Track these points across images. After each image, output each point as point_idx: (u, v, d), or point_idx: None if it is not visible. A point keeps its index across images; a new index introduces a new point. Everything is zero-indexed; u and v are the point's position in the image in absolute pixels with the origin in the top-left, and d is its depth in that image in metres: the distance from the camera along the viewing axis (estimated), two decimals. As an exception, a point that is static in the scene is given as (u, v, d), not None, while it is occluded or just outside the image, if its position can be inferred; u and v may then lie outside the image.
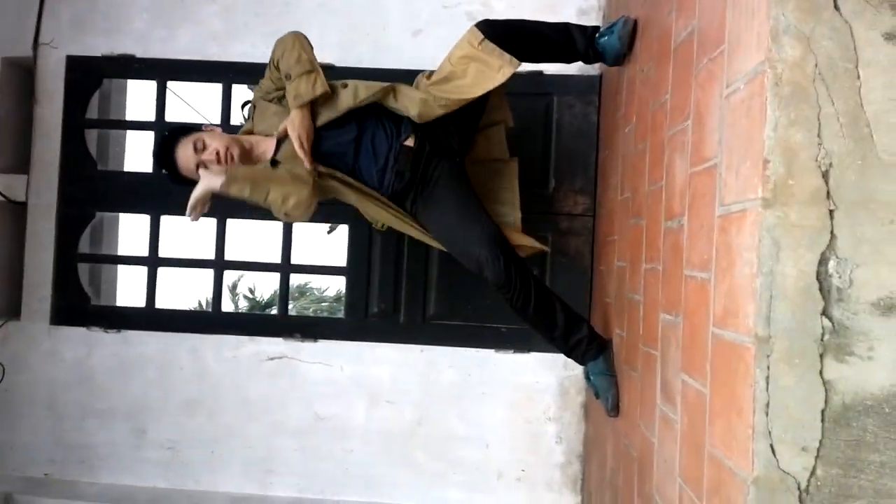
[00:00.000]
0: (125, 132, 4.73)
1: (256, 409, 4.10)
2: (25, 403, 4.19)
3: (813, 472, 1.28)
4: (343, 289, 4.31)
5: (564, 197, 3.99)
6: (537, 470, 4.00)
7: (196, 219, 2.98)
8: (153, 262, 4.20)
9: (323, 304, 23.81)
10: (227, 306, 20.22)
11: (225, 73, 4.12)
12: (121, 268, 4.83)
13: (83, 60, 4.17)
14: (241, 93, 4.20)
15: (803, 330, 1.29)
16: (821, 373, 1.28)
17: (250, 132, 3.13)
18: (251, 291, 23.58)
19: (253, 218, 4.04)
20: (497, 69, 2.88)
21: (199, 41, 4.15)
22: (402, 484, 4.05)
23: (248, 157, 3.01)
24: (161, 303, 4.25)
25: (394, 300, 4.08)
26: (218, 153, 2.91)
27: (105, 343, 4.16)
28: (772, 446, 1.30)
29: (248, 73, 4.09)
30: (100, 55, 4.16)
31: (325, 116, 2.96)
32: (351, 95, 2.96)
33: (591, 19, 3.95)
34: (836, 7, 1.30)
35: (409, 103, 2.94)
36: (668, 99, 2.23)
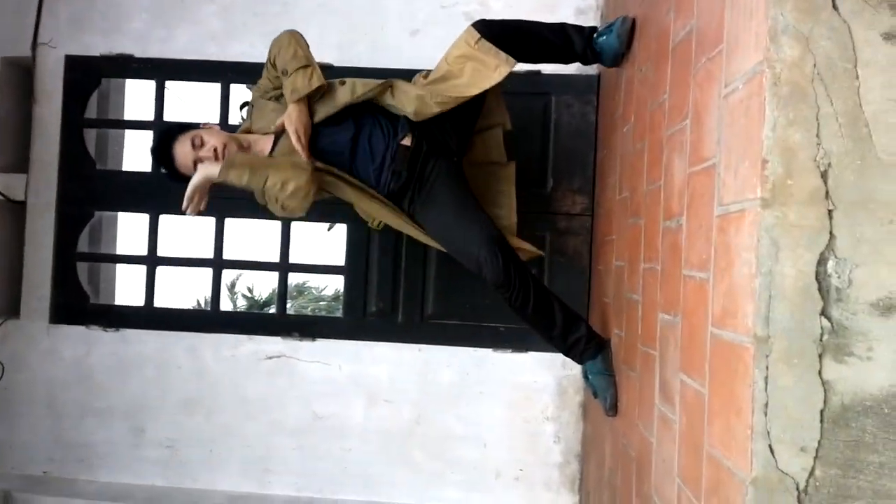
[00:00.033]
0: (124, 132, 4.73)
1: (255, 407, 4.10)
2: (24, 402, 4.19)
3: (812, 473, 1.28)
4: (341, 288, 4.31)
5: (563, 196, 3.99)
6: (535, 469, 4.00)
7: (193, 212, 2.95)
8: (152, 260, 4.20)
9: (321, 303, 23.83)
10: (225, 305, 20.25)
11: (223, 72, 4.12)
12: (119, 267, 4.83)
13: (82, 60, 4.17)
14: (239, 92, 4.20)
15: (802, 330, 1.29)
16: (820, 373, 1.28)
17: (248, 131, 3.13)
18: (249, 290, 23.60)
19: (251, 217, 4.03)
20: (493, 68, 2.89)
21: (198, 41, 4.15)
22: (400, 483, 4.05)
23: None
24: (160, 302, 4.25)
25: (392, 299, 4.08)
26: (215, 149, 2.91)
27: (104, 342, 4.16)
28: (770, 446, 1.30)
29: (246, 72, 4.09)
30: (98, 55, 4.16)
31: (323, 112, 2.96)
32: (348, 91, 2.97)
33: (589, 18, 3.95)
34: (835, 7, 1.30)
35: (406, 100, 2.94)
36: (666, 99, 2.23)
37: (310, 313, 17.48)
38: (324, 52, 3.78)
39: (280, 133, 2.99)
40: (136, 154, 3.68)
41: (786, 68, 1.31)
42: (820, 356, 1.28)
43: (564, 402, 3.99)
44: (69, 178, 4.17)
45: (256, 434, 4.11)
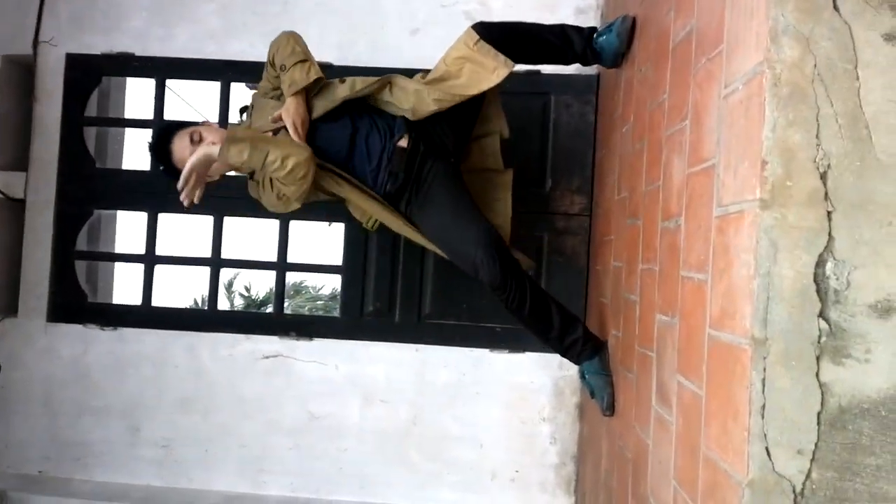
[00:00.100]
0: (124, 130, 4.74)
1: (251, 407, 4.10)
2: (21, 400, 4.18)
3: (808, 476, 1.28)
4: (338, 287, 4.30)
5: (561, 196, 3.99)
6: (531, 470, 3.99)
7: (189, 196, 2.86)
8: (150, 259, 4.20)
9: (318, 302, 23.81)
10: (222, 304, 20.23)
11: (223, 71, 4.12)
12: (118, 265, 4.82)
13: (82, 58, 4.16)
14: (239, 91, 4.20)
15: (800, 332, 1.29)
16: (817, 375, 1.28)
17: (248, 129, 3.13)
18: (247, 289, 23.57)
19: (249, 216, 4.03)
20: (492, 70, 2.88)
21: (198, 40, 4.15)
22: (395, 483, 4.04)
23: None
24: (157, 300, 4.25)
25: (389, 299, 4.07)
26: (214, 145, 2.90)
27: (101, 340, 4.15)
28: (767, 449, 1.29)
29: (246, 71, 4.09)
30: (99, 53, 4.16)
31: (321, 108, 2.96)
32: (348, 87, 2.97)
33: (589, 18, 3.95)
34: (836, 7, 1.30)
35: (404, 97, 2.94)
36: (665, 99, 2.23)
37: (307, 313, 17.46)
38: (323, 52, 3.78)
39: (278, 130, 2.99)
40: (136, 153, 3.68)
41: (786, 69, 1.31)
42: (818, 358, 1.28)
43: (561, 402, 3.98)
44: (69, 176, 4.16)
45: (253, 434, 4.10)
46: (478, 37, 2.88)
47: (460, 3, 4.04)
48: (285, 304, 4.58)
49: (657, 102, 2.34)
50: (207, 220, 4.14)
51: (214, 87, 4.18)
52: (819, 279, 1.28)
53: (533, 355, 3.95)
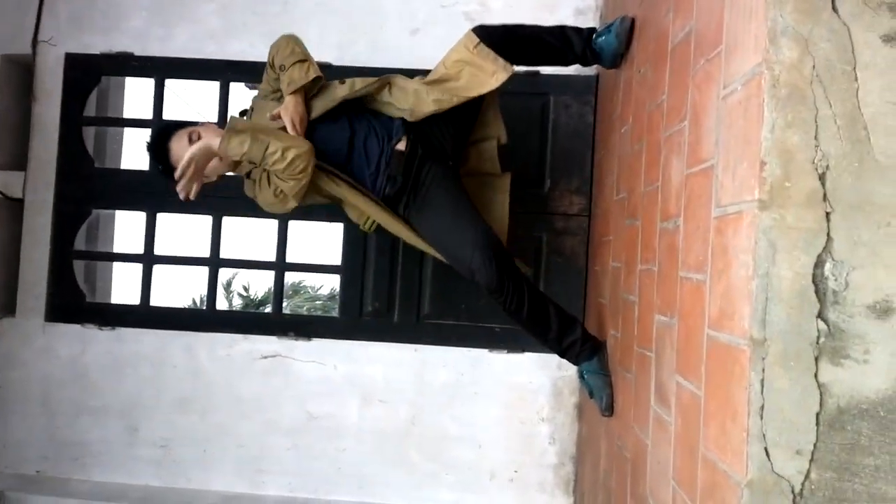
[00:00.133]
0: (122, 130, 4.74)
1: (249, 407, 4.10)
2: (19, 400, 4.18)
3: (807, 476, 1.28)
4: (337, 287, 4.31)
5: (560, 197, 3.99)
6: (530, 471, 3.99)
7: (186, 188, 2.84)
8: (149, 259, 4.20)
9: (317, 302, 23.82)
10: (221, 304, 20.23)
11: (222, 71, 4.12)
12: (116, 265, 4.82)
13: (82, 58, 4.16)
14: (238, 91, 4.19)
15: (799, 332, 1.29)
16: (816, 376, 1.28)
17: None
18: (245, 289, 23.57)
19: (248, 216, 4.03)
20: (491, 74, 2.89)
21: (197, 39, 4.15)
22: (394, 484, 4.04)
23: None
24: (156, 300, 4.25)
25: (388, 299, 4.07)
26: None
27: (99, 340, 4.15)
28: (766, 449, 1.29)
29: (245, 71, 4.09)
30: (98, 53, 4.16)
31: (320, 107, 2.96)
32: (347, 87, 2.98)
33: (588, 19, 3.95)
34: (835, 9, 1.30)
35: (403, 97, 2.94)
36: (664, 100, 2.23)
37: (305, 313, 17.46)
38: (323, 52, 3.79)
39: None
40: (135, 152, 3.68)
41: (785, 70, 1.31)
42: (816, 359, 1.28)
43: (560, 403, 3.98)
44: (67, 175, 4.16)
45: (251, 434, 4.10)
46: (478, 40, 2.89)
47: (460, 3, 4.04)
48: (284, 304, 4.57)
49: (656, 103, 2.34)
50: (206, 220, 4.14)
51: (214, 87, 4.17)
52: (818, 280, 1.28)
53: (532, 355, 3.96)
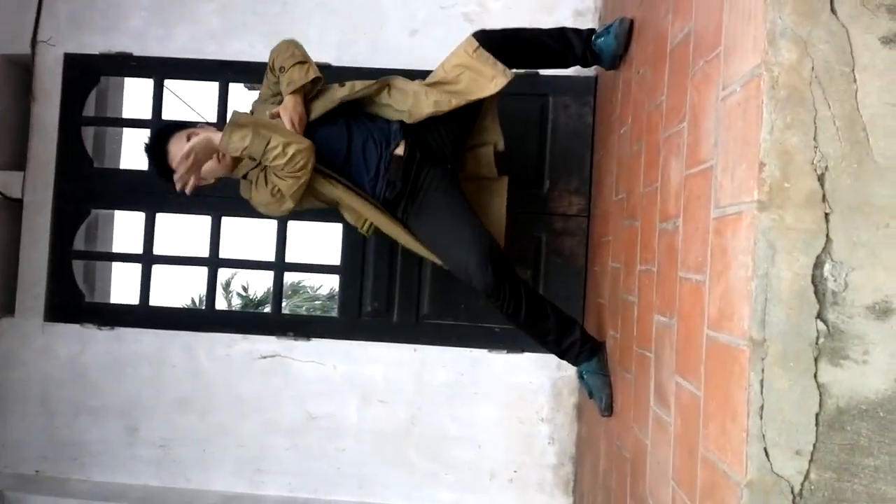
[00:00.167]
0: (121, 130, 4.74)
1: (249, 407, 4.10)
2: (18, 400, 4.18)
3: (807, 476, 1.28)
4: (336, 287, 4.31)
5: (559, 197, 3.99)
6: (529, 471, 4.00)
7: (184, 179, 2.83)
8: (148, 259, 4.20)
9: (316, 302, 23.80)
10: (220, 304, 20.21)
11: (222, 71, 4.12)
12: (115, 265, 4.82)
13: (81, 58, 4.16)
14: (238, 91, 4.19)
15: (798, 333, 1.29)
16: (815, 376, 1.28)
17: None
18: (244, 289, 23.54)
19: (247, 216, 4.03)
20: (490, 78, 2.89)
21: (197, 39, 4.15)
22: (394, 483, 4.04)
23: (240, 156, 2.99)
24: (155, 300, 4.25)
25: (387, 299, 4.07)
26: None
27: (98, 340, 4.15)
28: (766, 450, 1.30)
29: (245, 71, 4.09)
30: (97, 53, 4.16)
31: (320, 108, 2.96)
32: (347, 88, 2.98)
33: (587, 20, 3.96)
34: (833, 11, 1.30)
35: (402, 97, 2.95)
36: (663, 101, 2.23)
37: (305, 313, 17.45)
38: (323, 52, 3.79)
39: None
40: (134, 153, 3.69)
41: (784, 72, 1.32)
42: (816, 359, 1.28)
43: (559, 403, 3.99)
44: (66, 175, 4.16)
45: (250, 434, 4.10)
46: (477, 44, 2.89)
47: (459, 4, 4.04)
48: (283, 304, 4.57)
49: (655, 104, 2.35)
50: (205, 220, 4.14)
51: (213, 87, 4.17)
52: (817, 281, 1.29)
53: (531, 356, 3.96)
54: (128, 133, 4.70)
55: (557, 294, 3.89)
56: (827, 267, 1.28)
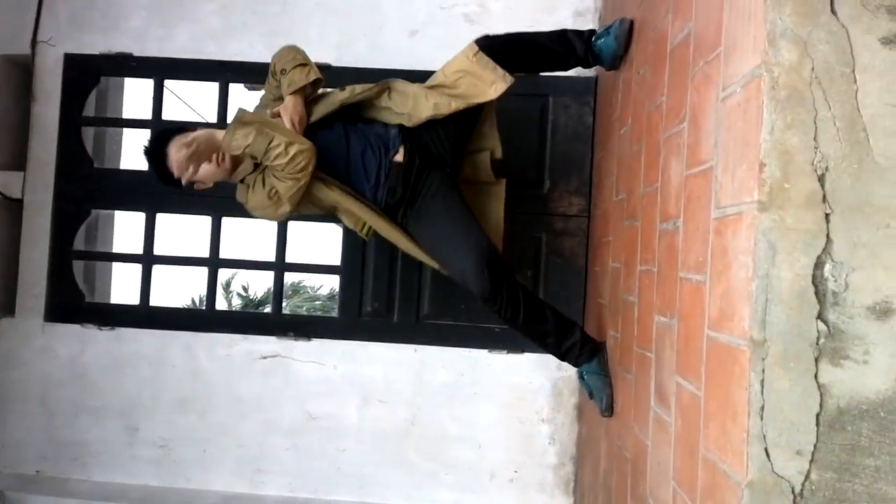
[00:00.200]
0: (122, 130, 4.74)
1: (249, 407, 4.10)
2: (18, 400, 4.18)
3: (807, 477, 1.28)
4: (337, 287, 4.31)
5: (559, 197, 3.99)
6: (530, 471, 4.00)
7: (181, 171, 2.84)
8: (148, 259, 4.20)
9: (316, 302, 23.80)
10: (220, 304, 20.21)
11: (222, 71, 4.12)
12: (115, 265, 4.82)
13: (81, 59, 4.16)
14: (238, 92, 4.19)
15: (798, 333, 1.29)
16: (816, 376, 1.28)
17: None
18: (245, 289, 23.54)
19: (248, 217, 4.03)
20: (490, 83, 2.89)
21: (197, 40, 4.15)
22: (394, 484, 4.04)
23: (239, 159, 2.99)
24: (155, 300, 4.25)
25: (387, 299, 4.08)
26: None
27: (99, 340, 4.15)
28: (766, 450, 1.30)
29: (245, 71, 4.09)
30: (97, 53, 4.16)
31: (319, 112, 2.96)
32: (347, 92, 2.98)
33: (587, 20, 3.96)
34: (833, 11, 1.30)
35: (402, 100, 2.95)
36: (663, 101, 2.23)
37: (305, 313, 17.45)
38: (322, 52, 3.79)
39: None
40: (134, 153, 3.69)
41: (784, 72, 1.32)
42: (816, 360, 1.28)
43: (559, 403, 3.99)
44: (66, 176, 4.16)
45: (250, 434, 4.10)
46: (478, 49, 2.90)
47: (459, 4, 4.04)
48: (283, 304, 4.57)
49: (655, 104, 2.35)
50: (205, 221, 4.14)
51: (213, 87, 4.17)
52: (817, 281, 1.29)
53: (531, 356, 3.96)
54: (128, 133, 4.70)
55: (558, 294, 3.89)
56: (827, 267, 1.29)
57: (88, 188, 4.19)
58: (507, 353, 3.98)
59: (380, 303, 4.07)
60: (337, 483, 4.07)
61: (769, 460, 1.30)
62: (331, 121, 2.97)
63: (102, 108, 4.48)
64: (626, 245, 2.76)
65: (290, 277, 22.28)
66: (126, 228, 5.18)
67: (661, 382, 2.05)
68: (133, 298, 4.25)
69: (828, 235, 1.29)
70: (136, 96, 5.15)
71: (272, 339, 4.10)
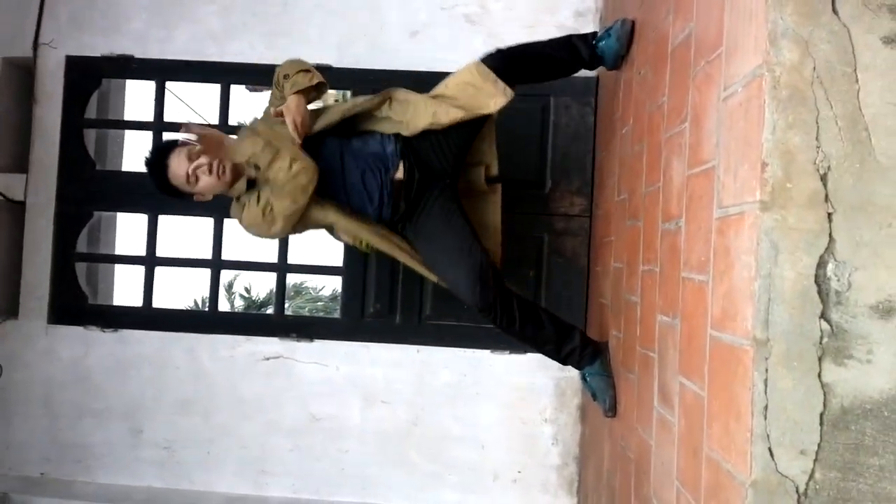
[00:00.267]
0: (123, 132, 4.73)
1: (252, 408, 4.10)
2: (22, 402, 4.18)
3: (811, 476, 1.28)
4: (339, 288, 4.31)
5: (561, 197, 3.99)
6: (533, 471, 3.99)
7: (187, 131, 2.88)
8: (150, 261, 4.20)
9: (318, 303, 23.78)
10: (223, 306, 20.21)
11: (223, 73, 4.12)
12: (118, 267, 4.82)
13: (82, 61, 4.16)
14: (239, 93, 4.19)
15: (802, 333, 1.29)
16: (819, 376, 1.28)
17: None
18: (247, 291, 23.52)
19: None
20: (490, 96, 2.89)
21: (197, 41, 4.14)
22: (397, 484, 4.04)
23: (240, 171, 2.97)
24: (158, 302, 4.25)
25: (389, 300, 4.08)
26: (210, 164, 2.88)
27: (102, 342, 4.15)
28: (770, 449, 1.30)
29: (246, 73, 4.09)
30: (99, 55, 4.16)
31: (321, 123, 2.94)
32: (349, 103, 2.98)
33: (588, 20, 3.96)
34: (835, 11, 1.30)
35: (401, 108, 2.94)
36: (665, 101, 2.23)
37: (307, 314, 17.46)
38: (323, 53, 3.79)
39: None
40: (136, 155, 3.69)
41: (785, 72, 1.32)
42: (819, 359, 1.29)
43: (562, 403, 3.98)
44: (69, 178, 4.16)
45: (253, 435, 4.10)
46: (482, 63, 2.90)
47: (460, 5, 4.03)
48: (286, 306, 4.58)
49: (656, 105, 2.35)
50: (208, 222, 4.14)
51: (214, 89, 4.18)
52: (820, 280, 1.29)
53: (534, 356, 3.95)
54: (130, 135, 4.70)
55: (559, 294, 3.89)
56: (830, 267, 1.29)
57: (91, 190, 4.19)
58: (510, 353, 3.98)
59: (382, 304, 4.07)
60: (340, 484, 4.07)
61: (773, 460, 1.30)
62: (325, 137, 2.96)
63: (104, 110, 4.48)
64: (628, 245, 2.76)
65: (292, 279, 22.28)
66: (128, 230, 5.19)
67: (665, 382, 2.05)
68: (136, 300, 4.25)
69: (830, 235, 1.29)
70: (137, 98, 5.15)
71: (275, 340, 4.10)
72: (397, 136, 2.96)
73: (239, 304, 23.05)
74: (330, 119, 2.95)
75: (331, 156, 2.94)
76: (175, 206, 4.08)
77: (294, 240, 4.17)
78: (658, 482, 2.09)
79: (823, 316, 1.29)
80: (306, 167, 2.77)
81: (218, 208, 4.01)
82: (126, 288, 5.25)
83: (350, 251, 4.06)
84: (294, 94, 2.90)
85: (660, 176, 2.24)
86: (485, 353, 4.00)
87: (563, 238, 3.99)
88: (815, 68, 1.31)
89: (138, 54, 4.15)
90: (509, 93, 2.89)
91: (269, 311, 16.73)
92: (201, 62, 4.13)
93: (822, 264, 1.29)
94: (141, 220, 4.23)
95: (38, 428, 4.19)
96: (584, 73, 3.77)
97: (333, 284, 23.05)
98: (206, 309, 4.43)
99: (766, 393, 1.30)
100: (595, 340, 3.11)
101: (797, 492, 1.29)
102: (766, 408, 1.30)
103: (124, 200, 4.23)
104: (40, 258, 4.17)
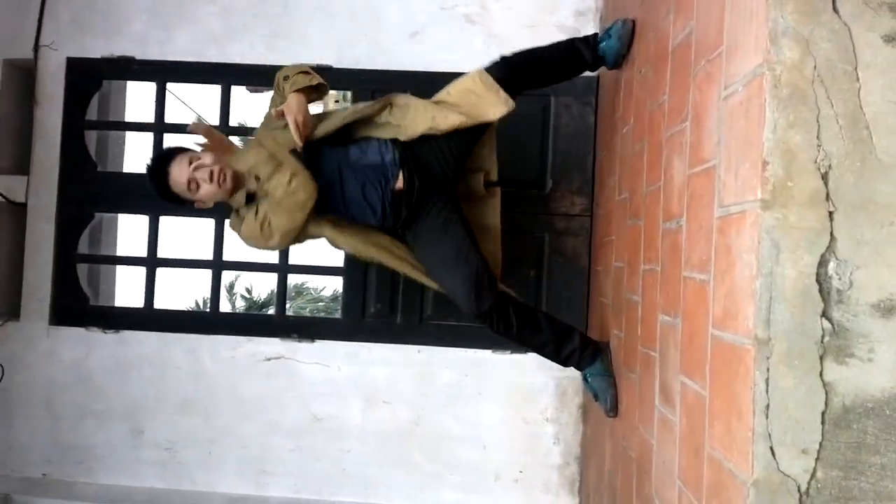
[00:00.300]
0: (124, 133, 4.73)
1: (253, 409, 4.10)
2: (23, 403, 4.18)
3: (813, 475, 1.28)
4: (340, 289, 4.31)
5: (562, 197, 3.99)
6: (534, 471, 3.99)
7: (195, 130, 2.92)
8: (152, 262, 4.20)
9: (320, 304, 23.77)
10: (224, 306, 20.20)
11: (223, 74, 4.12)
12: (119, 268, 4.82)
13: (83, 62, 4.17)
14: (239, 94, 4.19)
15: (803, 332, 1.29)
16: (821, 375, 1.28)
17: None
18: (248, 291, 23.51)
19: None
20: (491, 105, 2.88)
21: (198, 42, 4.14)
22: (398, 484, 4.04)
23: (241, 181, 2.96)
24: (159, 303, 4.25)
25: (390, 300, 4.08)
26: (212, 172, 2.87)
27: (103, 343, 4.15)
28: (772, 448, 1.30)
29: (246, 74, 4.09)
30: (99, 57, 4.16)
31: (322, 130, 2.92)
32: (350, 110, 2.97)
33: (588, 20, 3.95)
34: (835, 9, 1.30)
35: (401, 113, 2.92)
36: (665, 100, 2.23)
37: (308, 314, 17.46)
38: (323, 54, 3.79)
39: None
40: (137, 156, 3.68)
41: (786, 70, 1.32)
42: (821, 358, 1.28)
43: (564, 403, 3.98)
44: (70, 179, 4.17)
45: (255, 435, 4.11)
46: (485, 71, 2.90)
47: (460, 5, 4.03)
48: (287, 306, 4.57)
49: (657, 104, 2.35)
50: (209, 223, 4.14)
51: (215, 90, 4.18)
52: (821, 279, 1.29)
53: (535, 356, 3.94)
54: (131, 136, 4.71)
55: (560, 294, 3.89)
56: (831, 265, 1.29)
57: (92, 192, 4.19)
58: (511, 353, 3.98)
59: (383, 304, 4.07)
60: (341, 484, 4.07)
61: (775, 459, 1.30)
62: (323, 147, 2.94)
63: (105, 112, 4.49)
64: (629, 244, 2.76)
65: (293, 279, 22.26)
66: (130, 231, 5.18)
67: (666, 382, 2.05)
68: (137, 301, 4.25)
69: (831, 233, 1.29)
70: (138, 99, 5.15)
71: (276, 340, 4.10)
72: (395, 142, 2.94)
73: (240, 305, 23.03)
74: (330, 125, 2.93)
75: (329, 171, 2.92)
76: (176, 207, 4.09)
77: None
78: (660, 482, 2.09)
79: (825, 315, 1.28)
80: (305, 184, 2.76)
81: (218, 209, 4.01)
82: (127, 289, 5.25)
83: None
84: (294, 92, 2.89)
85: (661, 175, 2.24)
86: (486, 353, 4.00)
87: (564, 238, 3.99)
88: (815, 67, 1.31)
89: (139, 56, 4.15)
90: (511, 103, 2.88)
91: (271, 311, 16.74)
92: (202, 63, 4.14)
93: (823, 263, 1.29)
94: (142, 221, 4.23)
95: (40, 429, 4.19)
96: (584, 72, 3.79)
97: (334, 285, 23.04)
98: (208, 310, 4.43)
99: (767, 392, 1.30)
100: (595, 340, 3.11)
101: (799, 491, 1.29)
102: (767, 407, 1.30)
103: (125, 202, 4.24)
104: (42, 260, 4.17)
